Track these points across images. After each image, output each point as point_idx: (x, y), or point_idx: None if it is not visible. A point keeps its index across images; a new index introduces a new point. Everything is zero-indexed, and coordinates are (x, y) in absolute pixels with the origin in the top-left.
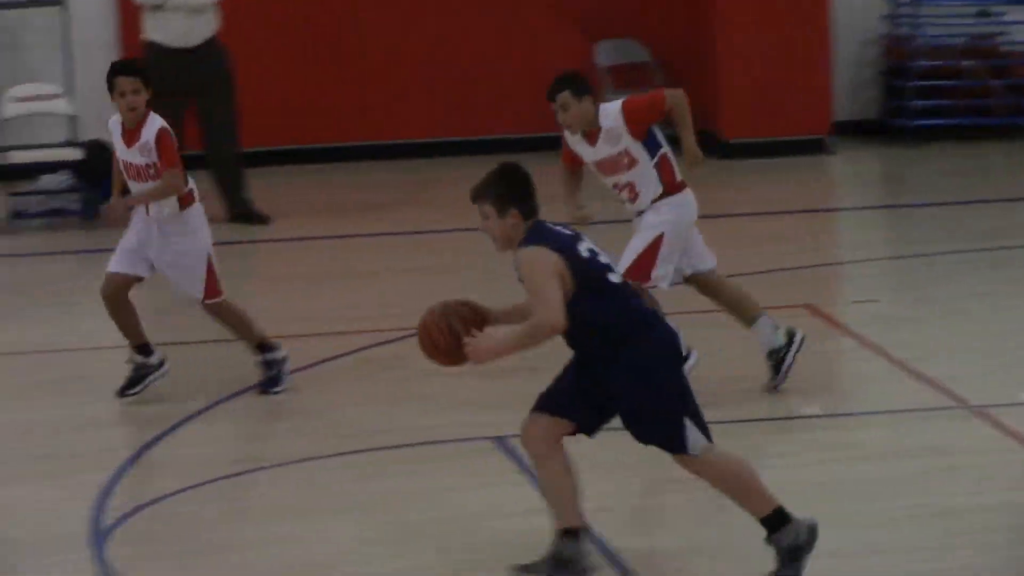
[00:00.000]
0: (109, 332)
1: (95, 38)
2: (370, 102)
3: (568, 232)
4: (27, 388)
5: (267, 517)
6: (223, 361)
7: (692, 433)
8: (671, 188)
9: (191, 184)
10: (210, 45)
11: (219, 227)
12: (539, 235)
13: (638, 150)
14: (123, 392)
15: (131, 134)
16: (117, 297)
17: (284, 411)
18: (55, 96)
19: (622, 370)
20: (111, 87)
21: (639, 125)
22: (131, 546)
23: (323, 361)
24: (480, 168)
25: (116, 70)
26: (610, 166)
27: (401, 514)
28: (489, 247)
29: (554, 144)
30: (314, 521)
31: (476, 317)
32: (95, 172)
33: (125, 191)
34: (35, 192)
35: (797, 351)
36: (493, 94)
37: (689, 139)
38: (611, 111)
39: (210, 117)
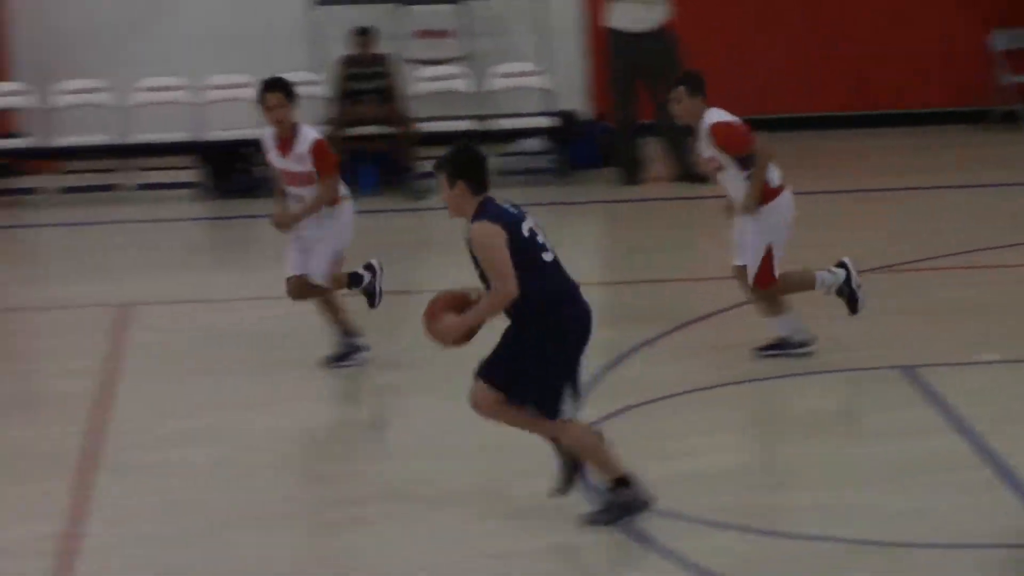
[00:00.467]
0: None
1: (566, 23)
2: (800, 76)
3: (515, 211)
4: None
5: (716, 429)
6: (670, 298)
7: (564, 405)
8: (767, 196)
9: (343, 189)
10: (661, 31)
11: (667, 185)
12: (488, 211)
13: (726, 160)
14: (330, 363)
15: (284, 144)
16: (302, 296)
17: (715, 343)
18: (533, 73)
19: (529, 336)
20: (260, 102)
21: (721, 147)
22: None
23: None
24: (884, 139)
25: (264, 87)
26: (705, 164)
27: (819, 430)
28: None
29: (965, 117)
30: (749, 433)
31: (456, 302)
32: (566, 137)
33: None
34: (517, 153)
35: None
36: (896, 71)
37: (755, 190)
38: (706, 123)
39: (660, 93)
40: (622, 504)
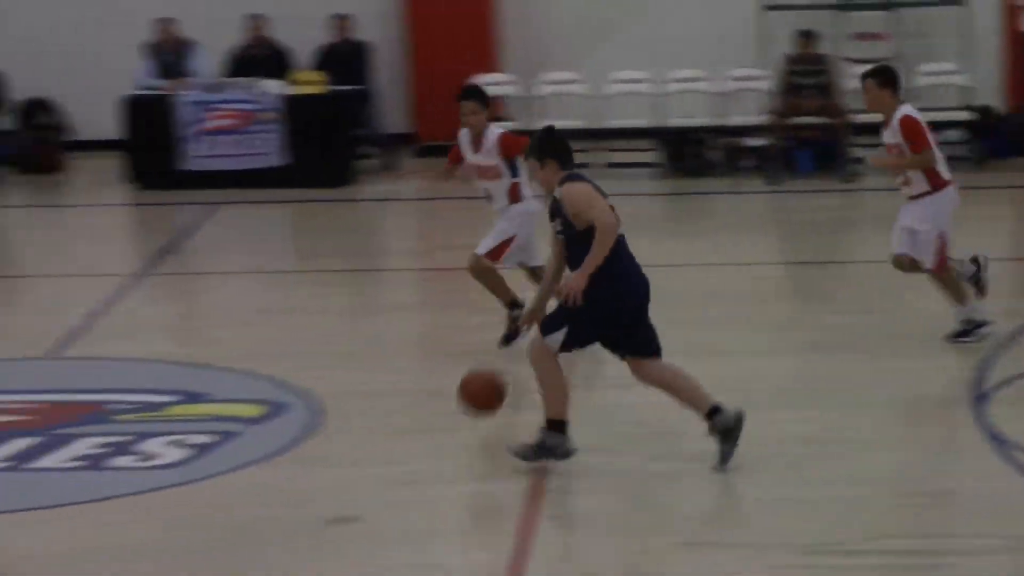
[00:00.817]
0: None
1: (987, 28)
2: None
3: (598, 186)
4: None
5: None
6: None
7: (559, 336)
8: (935, 185)
9: (522, 185)
10: None
11: None
12: (573, 178)
13: (906, 150)
14: (504, 342)
15: (476, 142)
16: (478, 269)
17: None
18: (955, 72)
19: (592, 291)
20: (460, 107)
21: (905, 139)
22: (1007, 407)
23: None
24: None
25: (461, 95)
26: (889, 150)
27: None
28: None
29: None
30: None
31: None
32: (982, 130)
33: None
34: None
35: (986, 268)
36: None
37: (903, 163)
38: (898, 116)
39: None
40: (549, 446)
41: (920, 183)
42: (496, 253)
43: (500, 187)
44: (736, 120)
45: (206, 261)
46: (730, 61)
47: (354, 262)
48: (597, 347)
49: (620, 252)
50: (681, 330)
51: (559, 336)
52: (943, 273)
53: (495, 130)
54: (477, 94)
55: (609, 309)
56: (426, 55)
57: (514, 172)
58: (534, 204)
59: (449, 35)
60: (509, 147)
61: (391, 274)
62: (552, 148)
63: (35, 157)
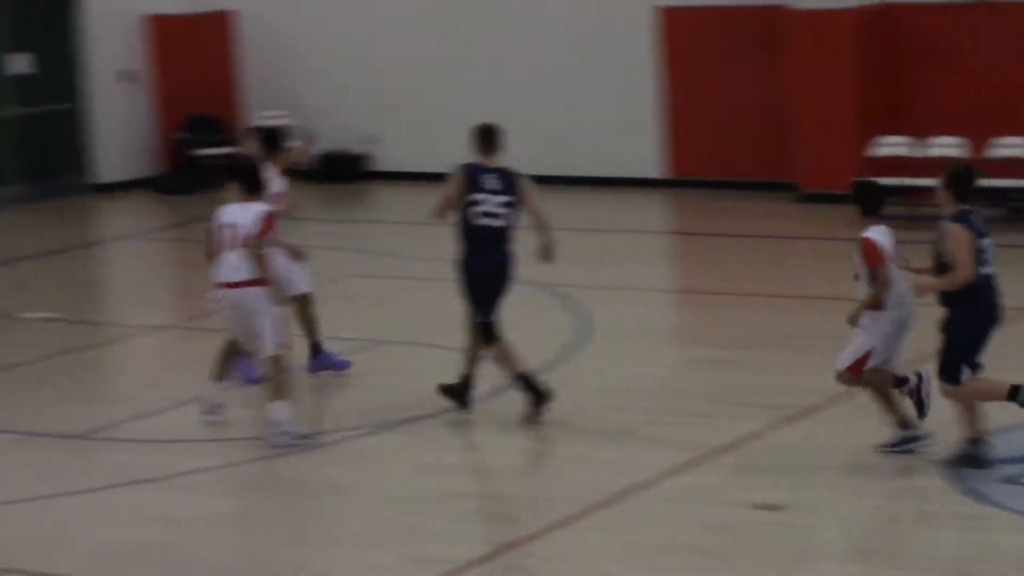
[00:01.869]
0: None
1: None
2: None
3: (982, 229)
4: None
5: None
6: None
7: (961, 369)
8: None
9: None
10: None
11: None
12: (962, 219)
13: None
14: (886, 448)
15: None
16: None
17: None
18: None
19: (953, 317)
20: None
21: None
22: None
23: None
24: None
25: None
26: None
27: None
28: None
29: None
30: None
31: None
32: None
33: None
34: None
35: None
36: None
37: None
38: None
39: None
40: (971, 456)
41: None
42: (855, 368)
43: (861, 290)
44: None
45: None
46: None
47: None
48: None
49: (976, 292)
50: None
51: (956, 371)
52: None
53: (865, 233)
54: (853, 197)
55: (964, 331)
56: None
57: (873, 279)
58: (888, 318)
59: None
60: (865, 257)
61: None
62: (954, 181)
63: None
